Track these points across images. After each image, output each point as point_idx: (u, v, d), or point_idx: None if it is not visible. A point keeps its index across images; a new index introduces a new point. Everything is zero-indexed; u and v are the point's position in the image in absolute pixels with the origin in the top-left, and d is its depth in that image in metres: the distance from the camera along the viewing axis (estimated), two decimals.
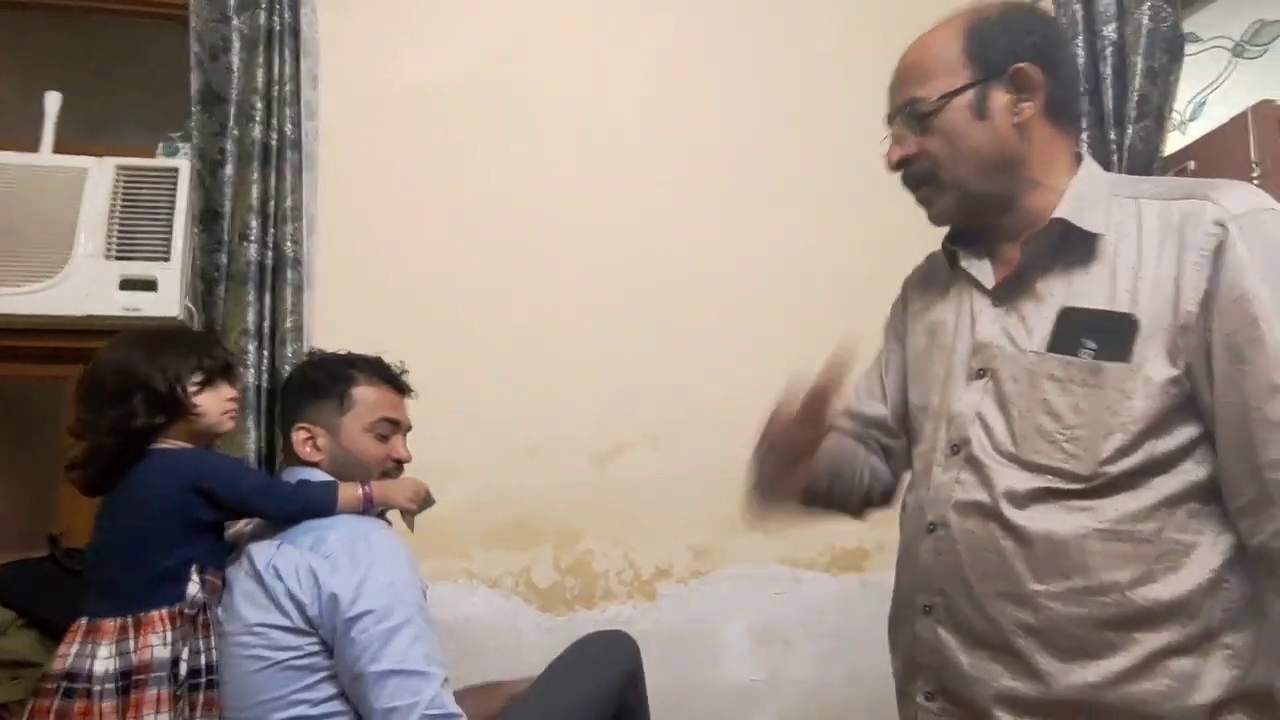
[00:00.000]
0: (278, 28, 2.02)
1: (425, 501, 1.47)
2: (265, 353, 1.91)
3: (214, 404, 1.36)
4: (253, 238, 1.93)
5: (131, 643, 1.18)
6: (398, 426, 1.49)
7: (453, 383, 2.04)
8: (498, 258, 2.12)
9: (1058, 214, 0.99)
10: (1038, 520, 0.93)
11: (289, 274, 1.94)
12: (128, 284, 1.90)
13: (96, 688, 1.15)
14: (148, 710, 1.15)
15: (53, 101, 2.00)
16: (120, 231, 1.92)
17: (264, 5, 2.01)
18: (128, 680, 1.16)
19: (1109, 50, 2.12)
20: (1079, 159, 1.05)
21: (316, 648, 1.24)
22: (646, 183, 2.22)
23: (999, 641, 0.95)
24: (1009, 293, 1.03)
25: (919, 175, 1.05)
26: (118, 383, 1.28)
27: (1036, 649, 0.93)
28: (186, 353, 1.35)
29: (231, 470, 1.37)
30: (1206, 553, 0.91)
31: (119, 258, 1.91)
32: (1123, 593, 0.90)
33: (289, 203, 1.97)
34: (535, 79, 2.21)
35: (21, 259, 1.87)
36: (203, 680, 1.21)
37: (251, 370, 1.89)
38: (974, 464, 0.98)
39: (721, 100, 2.27)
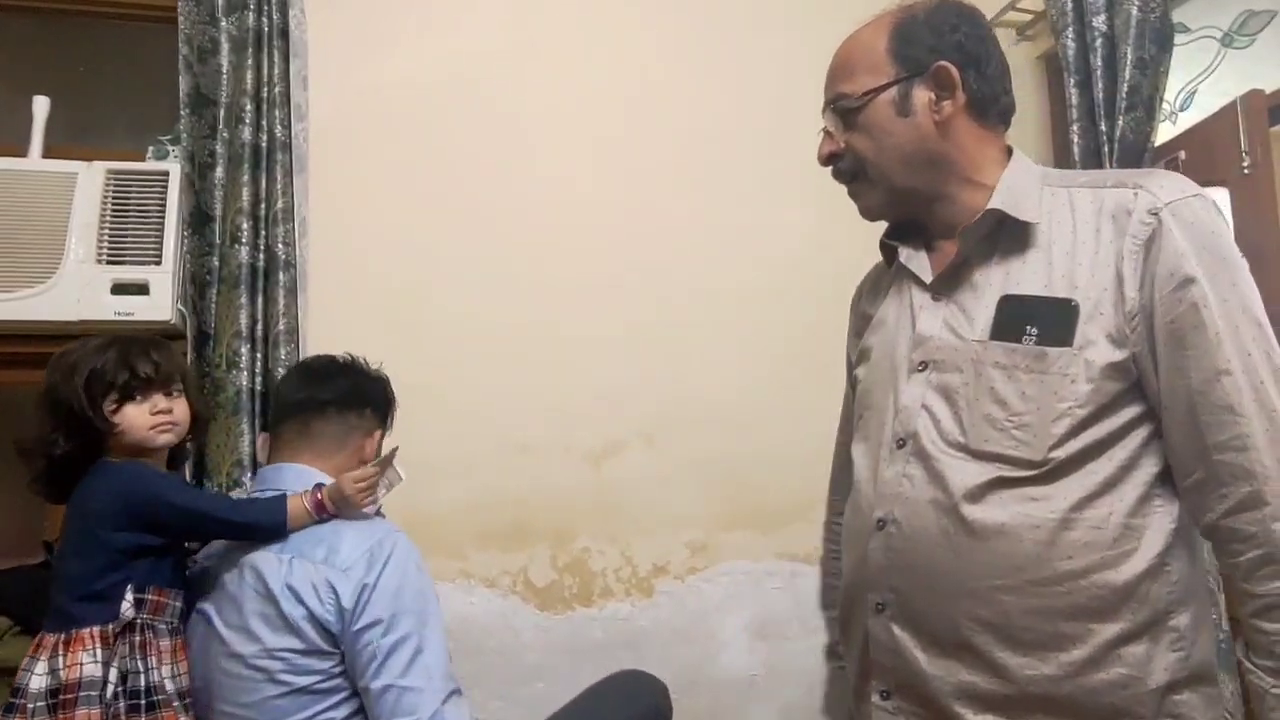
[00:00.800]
0: (266, 29, 2.01)
1: (382, 481, 1.38)
2: (259, 355, 1.91)
3: (138, 419, 1.28)
4: (244, 240, 1.92)
5: (61, 660, 1.14)
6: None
7: (445, 383, 2.04)
8: (489, 257, 2.12)
9: (991, 205, 1.00)
10: (991, 513, 0.93)
11: (281, 276, 1.94)
12: (119, 288, 1.89)
13: (30, 705, 1.12)
14: None
15: (41, 106, 1.99)
16: (111, 236, 1.92)
17: (252, 7, 2.00)
18: (56, 699, 1.12)
19: (1099, 41, 2.13)
20: (1009, 153, 1.06)
21: (340, 669, 1.22)
22: (636, 181, 2.22)
23: (956, 638, 0.95)
24: (947, 285, 1.03)
25: (847, 171, 1.06)
26: (46, 406, 1.28)
27: (994, 644, 0.93)
28: (107, 367, 1.28)
29: (164, 488, 1.28)
30: (1153, 536, 0.92)
31: (110, 262, 1.90)
32: (1077, 581, 0.91)
33: (280, 205, 1.96)
34: (524, 78, 2.20)
35: (12, 264, 1.87)
36: (143, 702, 1.16)
37: (245, 373, 1.88)
38: (922, 457, 0.98)
39: (707, 97, 2.27)
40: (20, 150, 1.96)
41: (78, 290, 1.87)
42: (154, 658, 1.19)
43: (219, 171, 1.95)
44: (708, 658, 2.09)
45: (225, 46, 1.99)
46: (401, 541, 1.29)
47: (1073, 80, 2.16)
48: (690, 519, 2.13)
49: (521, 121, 2.19)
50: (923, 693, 0.97)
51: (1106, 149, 2.10)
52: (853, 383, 1.18)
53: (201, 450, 1.88)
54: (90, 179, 1.92)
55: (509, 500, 2.05)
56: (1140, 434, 0.93)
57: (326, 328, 1.98)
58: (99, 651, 1.15)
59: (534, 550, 2.05)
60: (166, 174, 1.96)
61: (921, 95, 1.00)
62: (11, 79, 2.21)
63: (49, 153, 1.97)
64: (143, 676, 1.17)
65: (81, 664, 1.13)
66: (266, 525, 1.27)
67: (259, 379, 1.91)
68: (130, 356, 1.30)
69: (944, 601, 0.95)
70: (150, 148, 2.04)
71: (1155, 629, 0.91)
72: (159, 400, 1.30)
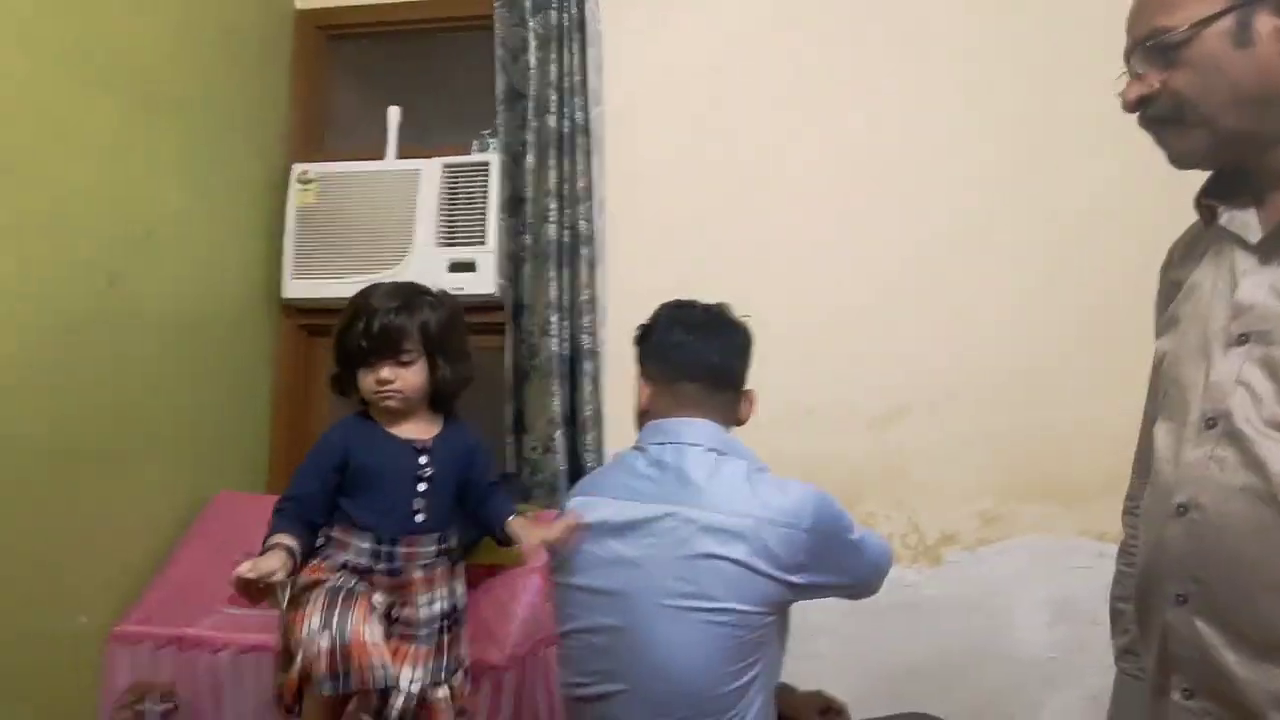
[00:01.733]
0: (566, 24, 2.20)
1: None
2: (565, 324, 2.12)
3: (366, 384, 1.39)
4: (552, 219, 2.14)
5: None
6: None
7: None
8: (774, 224, 2.16)
9: None
10: None
11: (583, 251, 2.13)
12: (454, 267, 2.20)
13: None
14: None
15: (394, 115, 2.34)
16: (446, 221, 2.23)
17: (554, 5, 2.20)
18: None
19: None
20: None
21: (773, 618, 1.23)
22: (918, 139, 2.13)
23: (1272, 638, 0.83)
24: (1279, 246, 0.88)
25: (1161, 115, 0.93)
26: None
27: None
28: (343, 335, 1.41)
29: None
30: None
31: (446, 244, 2.22)
32: None
33: (581, 184, 2.15)
34: (812, 55, 2.20)
35: (373, 251, 2.24)
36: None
37: (555, 339, 2.11)
38: (1236, 439, 0.86)
39: (987, 44, 2.11)
40: (378, 154, 2.33)
41: (423, 270, 2.20)
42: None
43: (530, 158, 2.18)
44: (998, 633, 2.00)
45: (533, 44, 2.21)
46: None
47: None
48: (981, 488, 2.04)
49: (803, 91, 2.19)
50: (1234, 697, 0.87)
51: None
52: (1159, 356, 1.06)
53: (520, 409, 2.14)
54: (430, 173, 2.24)
55: (793, 462, 2.09)
56: None
57: (623, 297, 2.15)
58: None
59: None
60: (488, 164, 2.23)
61: (1267, 22, 0.87)
62: (367, 92, 2.62)
63: (400, 154, 2.32)
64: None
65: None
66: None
67: (567, 345, 2.12)
68: (354, 327, 1.38)
69: (1257, 598, 0.84)
70: (474, 141, 2.32)
71: None
72: (384, 370, 1.37)
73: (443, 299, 1.46)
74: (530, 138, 2.19)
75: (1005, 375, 2.03)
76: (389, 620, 1.35)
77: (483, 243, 2.20)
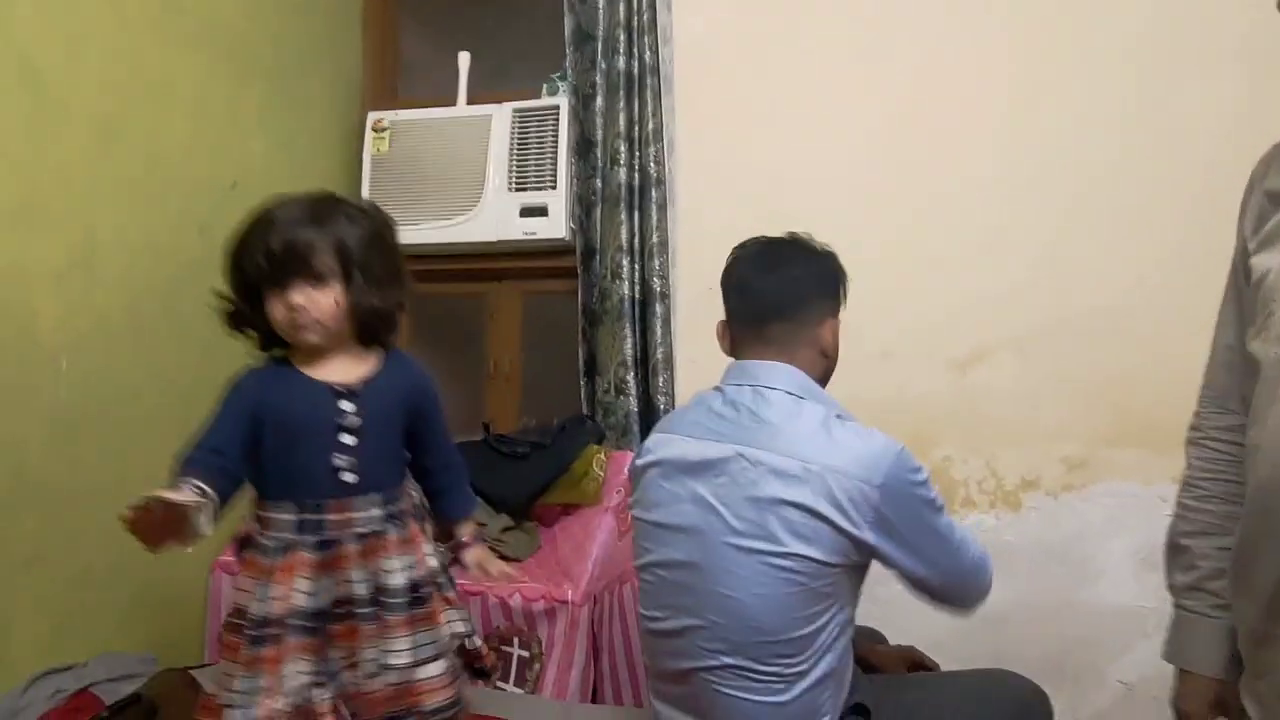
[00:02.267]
0: None
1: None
2: (636, 267, 2.12)
3: (275, 313, 1.12)
4: (622, 162, 2.12)
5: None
6: None
7: None
8: (849, 162, 2.10)
9: None
10: None
11: (653, 193, 2.12)
12: (525, 211, 2.21)
13: None
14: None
15: (464, 60, 2.35)
16: (517, 166, 2.23)
17: None
18: None
19: None
20: None
21: (840, 569, 1.18)
22: (1006, 64, 2.02)
23: None
24: None
25: None
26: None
27: None
28: (239, 254, 1.14)
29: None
30: None
31: (517, 189, 2.23)
32: None
33: (650, 126, 2.12)
34: None
35: (446, 197, 2.27)
36: None
37: (626, 283, 2.11)
38: None
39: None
40: (450, 100, 2.34)
41: (495, 215, 2.23)
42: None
43: (599, 101, 2.16)
44: (1083, 582, 1.95)
45: None
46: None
47: None
48: (1066, 433, 1.97)
49: (882, 25, 2.09)
50: None
51: None
52: (1246, 273, 0.97)
53: (592, 352, 2.17)
54: (501, 119, 2.25)
55: (869, 404, 2.05)
56: None
57: (695, 239, 2.13)
58: None
59: None
60: (557, 107, 2.22)
61: None
62: (439, 39, 2.62)
63: (471, 100, 2.33)
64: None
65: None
66: None
67: (638, 288, 2.12)
68: (265, 239, 1.11)
69: None
70: (544, 85, 2.31)
71: None
72: (294, 293, 1.10)
73: (366, 210, 1.20)
74: (599, 79, 2.16)
75: (1094, 315, 1.95)
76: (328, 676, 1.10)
77: (553, 187, 2.20)
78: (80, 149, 1.63)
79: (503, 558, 1.81)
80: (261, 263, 1.11)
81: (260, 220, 1.14)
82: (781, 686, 1.18)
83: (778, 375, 1.27)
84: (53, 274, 1.57)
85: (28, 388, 1.53)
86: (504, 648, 1.74)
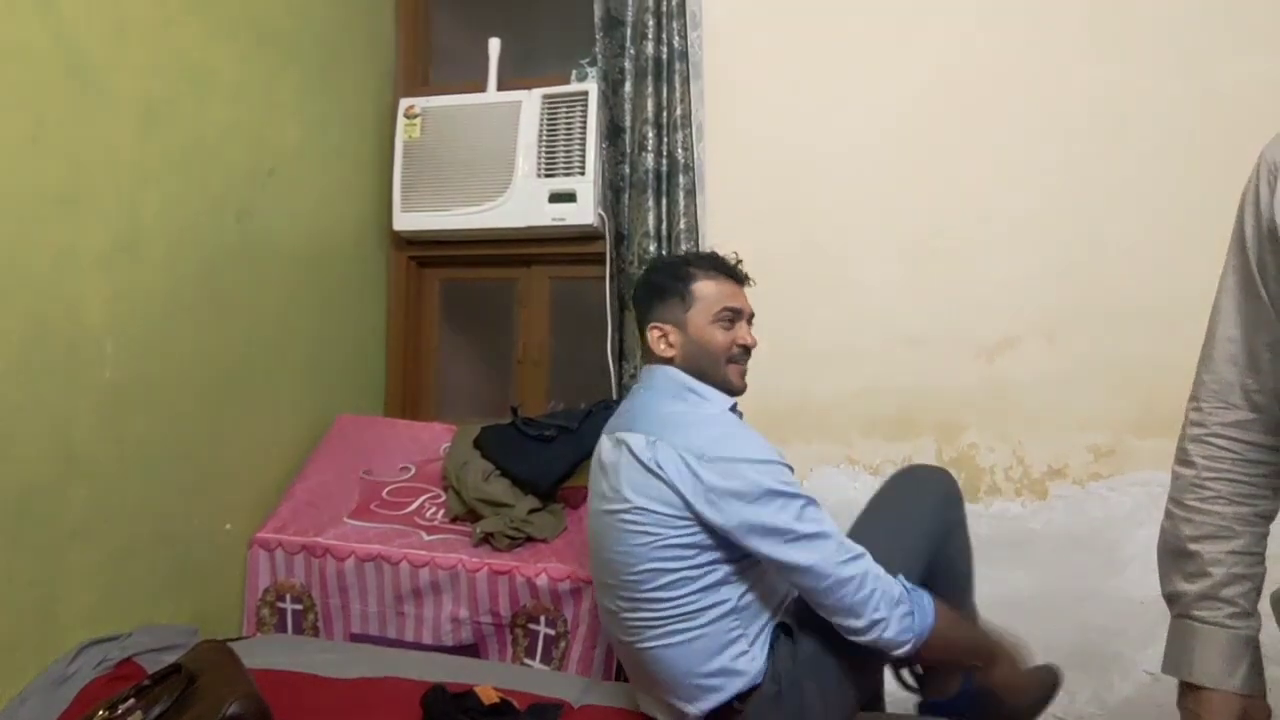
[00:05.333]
0: None
1: None
2: (664, 253, 2.13)
3: None
4: (649, 148, 2.13)
5: None
6: (740, 314, 1.50)
7: (835, 275, 2.09)
8: (877, 145, 2.09)
9: None
10: None
11: (680, 179, 2.12)
12: (555, 197, 2.23)
13: None
14: None
15: (494, 46, 2.36)
16: (546, 152, 2.25)
17: None
18: None
19: None
20: None
21: (696, 527, 1.31)
22: (1048, 67, 1.99)
23: None
24: None
25: None
26: None
27: None
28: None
29: None
30: None
31: (546, 175, 2.25)
32: None
33: (679, 111, 2.13)
34: None
35: (477, 183, 2.30)
36: None
37: None
38: None
39: None
40: (480, 86, 2.36)
41: (525, 201, 2.25)
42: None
43: (627, 86, 2.16)
44: (1109, 571, 1.94)
45: None
46: (745, 429, 1.44)
47: None
48: (1094, 421, 1.96)
49: (911, 10, 2.08)
50: None
51: None
52: (1261, 276, 0.94)
53: (621, 337, 2.19)
54: (530, 105, 2.26)
55: (896, 391, 2.07)
56: None
57: (723, 225, 2.13)
58: None
59: (919, 442, 2.06)
60: (586, 93, 2.23)
61: None
62: (468, 24, 2.64)
63: (501, 86, 2.35)
64: None
65: None
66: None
67: None
68: None
69: None
70: (573, 71, 2.32)
71: None
72: None
73: None
74: (628, 65, 2.17)
75: (1123, 304, 1.93)
76: None
77: (582, 173, 2.22)
78: (125, 134, 1.68)
79: (529, 539, 1.87)
80: None
81: None
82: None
83: (651, 376, 1.50)
84: (99, 258, 1.62)
85: (75, 368, 1.59)
86: (531, 625, 1.78)
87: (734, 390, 1.47)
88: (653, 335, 1.48)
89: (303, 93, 2.14)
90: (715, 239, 2.15)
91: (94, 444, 1.62)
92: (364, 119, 2.37)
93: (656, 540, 1.31)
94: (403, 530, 1.93)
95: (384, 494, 2.04)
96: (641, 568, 1.32)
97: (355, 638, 1.87)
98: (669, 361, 1.47)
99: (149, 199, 1.73)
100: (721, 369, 1.45)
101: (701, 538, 1.31)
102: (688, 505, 1.30)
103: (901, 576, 1.32)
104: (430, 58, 2.59)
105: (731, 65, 2.18)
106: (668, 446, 1.32)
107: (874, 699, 1.54)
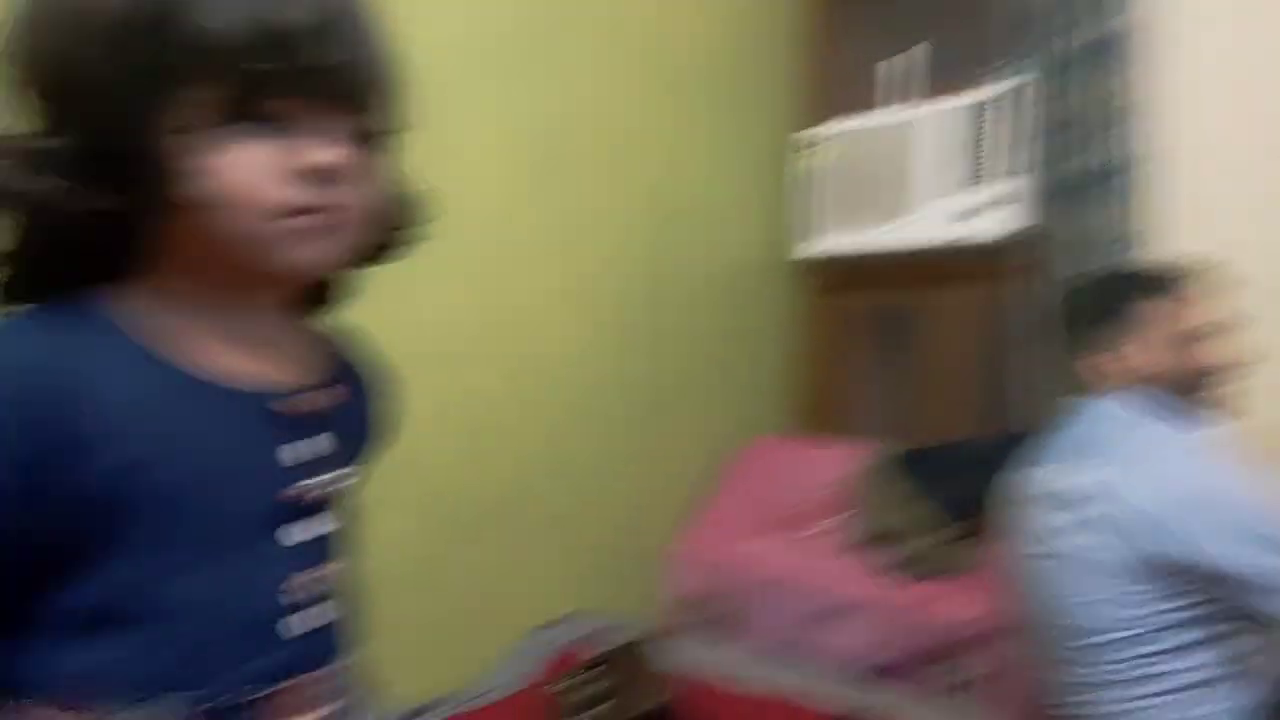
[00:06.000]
0: None
1: None
2: (1103, 265, 1.87)
3: (248, 180, 0.58)
4: (1087, 147, 1.90)
5: None
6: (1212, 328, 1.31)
7: None
8: None
9: None
10: None
11: (1127, 177, 1.85)
12: (967, 212, 2.11)
13: None
14: None
15: (894, 65, 2.32)
16: (957, 164, 2.13)
17: None
18: None
19: None
20: None
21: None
22: None
23: None
24: None
25: None
26: None
27: None
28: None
29: None
30: None
31: (964, 188, 2.12)
32: None
33: (1124, 100, 1.86)
34: None
35: (881, 202, 2.26)
36: None
37: None
38: None
39: None
40: (875, 105, 2.34)
41: (934, 216, 2.16)
42: None
43: (1053, 82, 1.95)
44: None
45: None
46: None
47: None
48: None
49: None
50: None
51: None
52: None
53: (1046, 360, 1.95)
54: (935, 117, 2.17)
55: None
56: None
57: (1184, 222, 1.81)
58: None
59: None
60: (1004, 97, 2.06)
61: None
62: (868, 45, 2.58)
63: (902, 100, 2.30)
64: None
65: None
66: None
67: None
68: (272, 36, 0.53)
69: None
70: (990, 75, 2.15)
71: None
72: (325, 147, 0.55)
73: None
74: (1049, 60, 1.96)
75: None
76: None
77: (1001, 181, 2.06)
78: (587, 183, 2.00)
79: (942, 570, 1.76)
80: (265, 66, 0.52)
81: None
82: None
83: None
84: (564, 295, 1.98)
85: (562, 389, 1.95)
86: (940, 663, 1.67)
87: (1211, 414, 1.30)
88: (1099, 360, 1.35)
89: (707, 129, 2.26)
90: (1178, 239, 1.83)
91: (574, 449, 1.97)
92: (763, 150, 2.44)
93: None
94: (813, 551, 1.96)
95: (797, 514, 2.08)
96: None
97: (762, 652, 1.92)
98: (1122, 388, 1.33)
99: (592, 241, 2.00)
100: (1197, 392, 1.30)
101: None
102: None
103: None
104: (831, 82, 2.60)
105: (1174, 50, 1.85)
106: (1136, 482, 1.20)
107: None
